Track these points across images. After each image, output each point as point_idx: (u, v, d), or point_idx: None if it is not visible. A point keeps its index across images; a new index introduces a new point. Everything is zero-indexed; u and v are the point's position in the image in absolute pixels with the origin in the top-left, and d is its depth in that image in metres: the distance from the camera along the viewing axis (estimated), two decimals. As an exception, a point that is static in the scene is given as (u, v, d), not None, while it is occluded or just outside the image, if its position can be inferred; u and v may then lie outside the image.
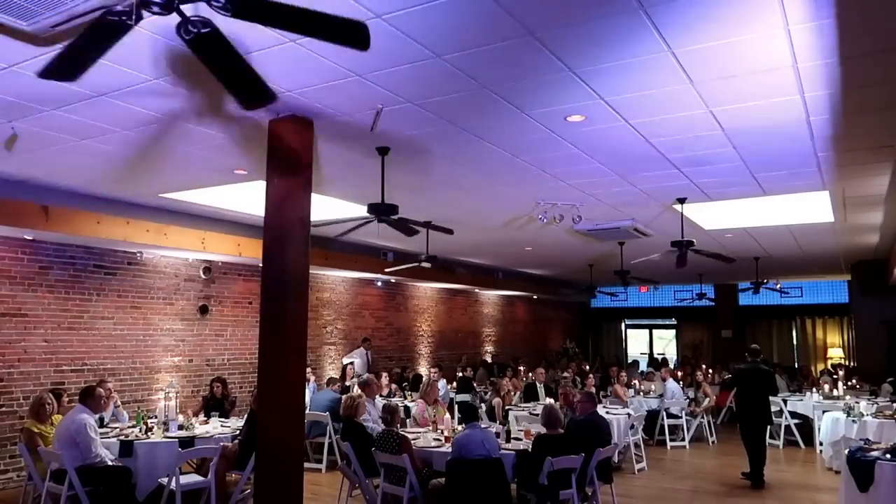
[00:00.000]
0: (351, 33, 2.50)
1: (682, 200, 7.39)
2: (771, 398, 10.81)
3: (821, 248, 11.29)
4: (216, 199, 7.45)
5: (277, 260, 4.56)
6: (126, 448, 6.03)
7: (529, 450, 5.86)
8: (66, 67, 2.75)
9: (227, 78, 2.86)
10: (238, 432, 6.67)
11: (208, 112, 4.65)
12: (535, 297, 18.13)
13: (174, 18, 2.44)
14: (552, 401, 8.76)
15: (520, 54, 3.67)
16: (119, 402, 7.50)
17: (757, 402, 8.07)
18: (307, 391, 8.60)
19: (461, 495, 5.35)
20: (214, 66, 2.76)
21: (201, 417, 7.37)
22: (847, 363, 16.56)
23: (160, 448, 6.10)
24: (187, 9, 2.42)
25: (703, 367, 14.24)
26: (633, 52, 3.65)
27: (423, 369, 13.42)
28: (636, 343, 22.06)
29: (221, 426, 6.99)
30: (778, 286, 14.24)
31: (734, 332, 18.41)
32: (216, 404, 8.01)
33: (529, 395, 10.59)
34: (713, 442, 10.65)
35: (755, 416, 8.06)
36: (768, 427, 8.54)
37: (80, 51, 2.64)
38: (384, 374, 10.55)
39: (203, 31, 2.47)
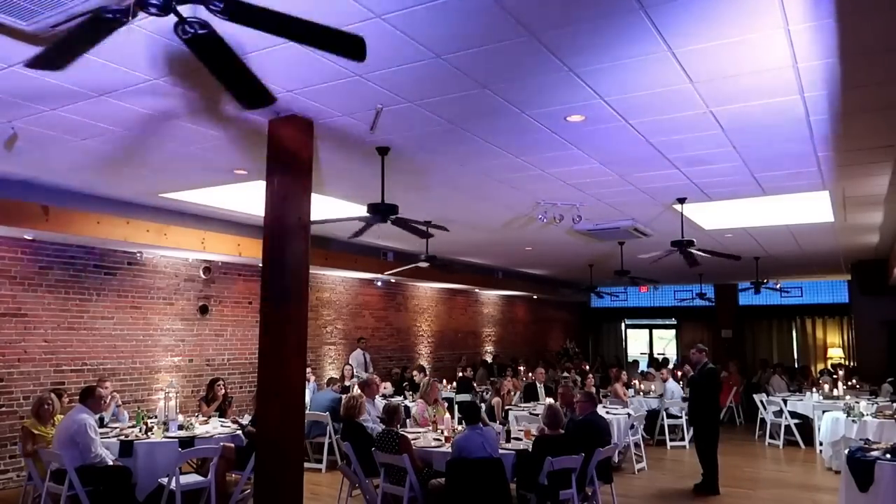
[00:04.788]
0: (348, 45, 2.52)
1: (682, 200, 7.38)
2: (770, 398, 10.91)
3: (821, 248, 11.29)
4: (216, 199, 7.44)
5: (277, 260, 4.56)
6: (126, 448, 6.03)
7: (529, 450, 5.86)
8: (55, 59, 2.77)
9: (227, 79, 2.88)
10: (241, 429, 6.72)
11: (208, 112, 4.64)
12: (535, 297, 18.12)
13: (172, 18, 2.44)
14: (552, 401, 8.75)
15: (520, 54, 3.67)
16: (119, 402, 7.51)
17: (715, 404, 8.00)
18: (307, 391, 8.60)
19: (461, 495, 5.35)
20: (214, 67, 2.77)
21: (213, 417, 7.43)
22: (847, 363, 16.55)
23: (160, 448, 6.10)
24: (185, 10, 2.42)
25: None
26: (633, 52, 3.65)
27: (422, 370, 13.39)
28: (636, 343, 22.04)
29: (221, 426, 6.99)
30: (778, 286, 14.24)
31: (734, 331, 18.40)
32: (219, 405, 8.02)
33: (529, 395, 10.59)
34: (713, 442, 10.63)
35: (715, 419, 7.88)
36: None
37: (71, 43, 2.66)
38: (384, 382, 10.49)
39: (200, 31, 2.47)
